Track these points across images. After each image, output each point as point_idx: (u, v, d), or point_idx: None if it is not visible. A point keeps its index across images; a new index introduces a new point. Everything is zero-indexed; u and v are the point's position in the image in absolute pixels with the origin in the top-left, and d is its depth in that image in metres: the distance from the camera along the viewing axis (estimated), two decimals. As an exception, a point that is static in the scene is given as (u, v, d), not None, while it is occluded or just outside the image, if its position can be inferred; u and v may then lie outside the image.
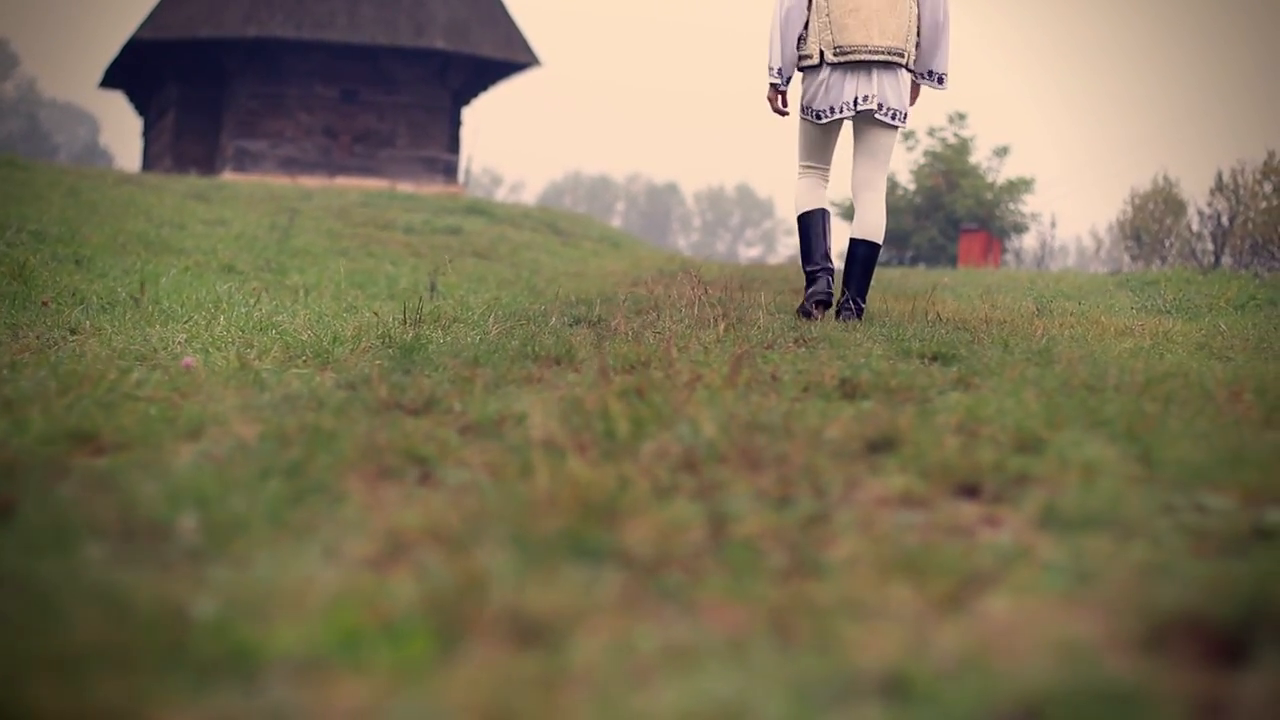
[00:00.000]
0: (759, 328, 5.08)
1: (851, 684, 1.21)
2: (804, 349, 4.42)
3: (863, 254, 6.46)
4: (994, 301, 8.69)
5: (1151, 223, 28.46)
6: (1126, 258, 29.14)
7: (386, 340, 4.45)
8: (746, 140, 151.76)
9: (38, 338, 4.30)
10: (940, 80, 6.56)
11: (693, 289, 6.64)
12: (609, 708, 1.19)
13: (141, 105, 33.86)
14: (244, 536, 1.75)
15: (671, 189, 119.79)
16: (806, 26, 6.40)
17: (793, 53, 6.43)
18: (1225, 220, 26.40)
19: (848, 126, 6.55)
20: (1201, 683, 1.19)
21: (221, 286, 7.39)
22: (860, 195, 6.51)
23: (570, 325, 5.56)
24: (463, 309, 6.57)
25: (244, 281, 8.28)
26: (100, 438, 2.50)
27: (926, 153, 28.88)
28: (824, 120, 6.43)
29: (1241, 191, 26.11)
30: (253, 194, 18.50)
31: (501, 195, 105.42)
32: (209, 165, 28.11)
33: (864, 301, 6.42)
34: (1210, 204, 26.67)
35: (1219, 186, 26.49)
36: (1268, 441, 2.69)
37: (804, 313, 6.44)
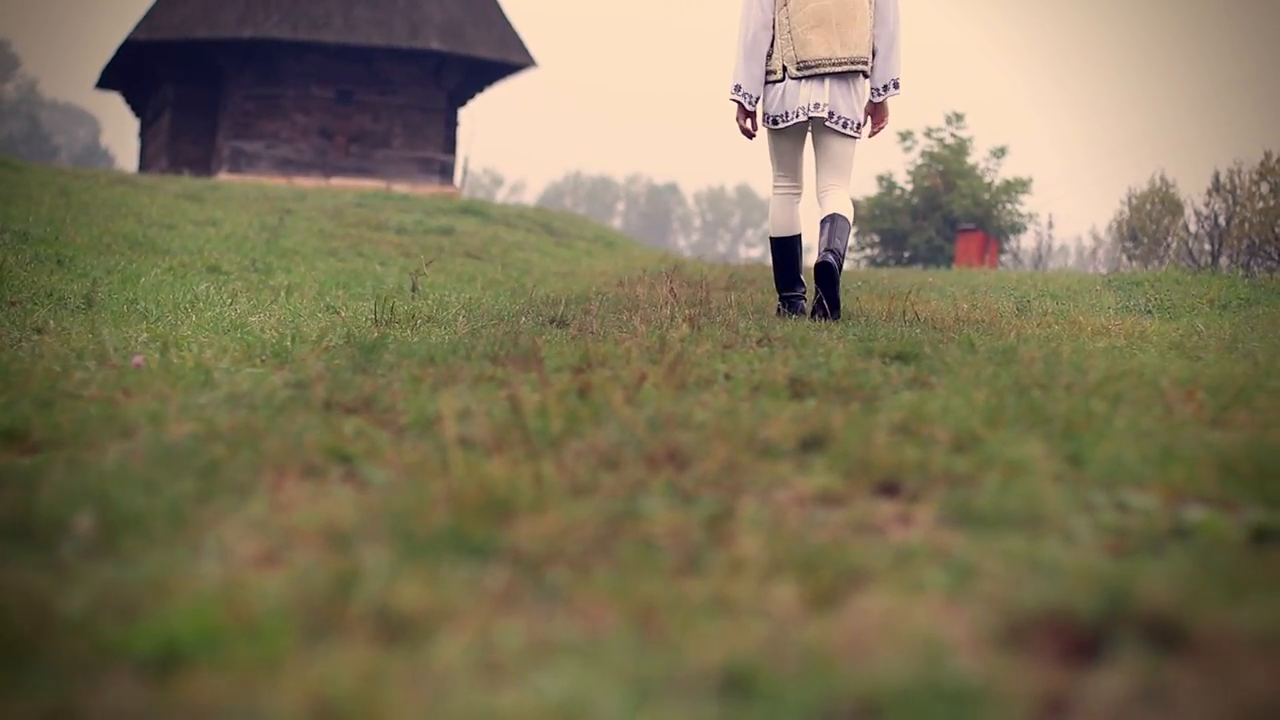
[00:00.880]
0: (727, 327, 5.08)
1: (695, 681, 1.21)
2: (766, 348, 4.42)
3: (832, 224, 6.45)
4: (976, 301, 8.68)
5: (1149, 223, 28.44)
6: (1124, 258, 29.13)
7: (350, 339, 4.45)
8: (747, 141, 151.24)
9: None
10: (896, 86, 6.63)
11: (666, 290, 6.64)
12: (441, 704, 1.19)
13: (138, 106, 33.88)
14: (139, 535, 1.75)
15: (672, 189, 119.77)
16: (772, 44, 6.52)
17: (760, 73, 6.53)
18: (1222, 221, 26.40)
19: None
20: (1051, 680, 1.19)
21: (201, 286, 7.39)
22: (823, 197, 6.57)
23: (544, 325, 5.56)
24: (440, 308, 6.57)
25: (226, 282, 8.29)
26: (31, 436, 2.50)
27: (924, 153, 28.86)
28: (780, 125, 6.54)
29: (1238, 192, 26.11)
30: (246, 195, 18.50)
31: (502, 196, 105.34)
32: (205, 166, 28.12)
33: (841, 260, 6.37)
34: (1208, 204, 26.67)
35: (1216, 187, 26.48)
36: (1205, 440, 2.69)
37: (781, 310, 6.55)
